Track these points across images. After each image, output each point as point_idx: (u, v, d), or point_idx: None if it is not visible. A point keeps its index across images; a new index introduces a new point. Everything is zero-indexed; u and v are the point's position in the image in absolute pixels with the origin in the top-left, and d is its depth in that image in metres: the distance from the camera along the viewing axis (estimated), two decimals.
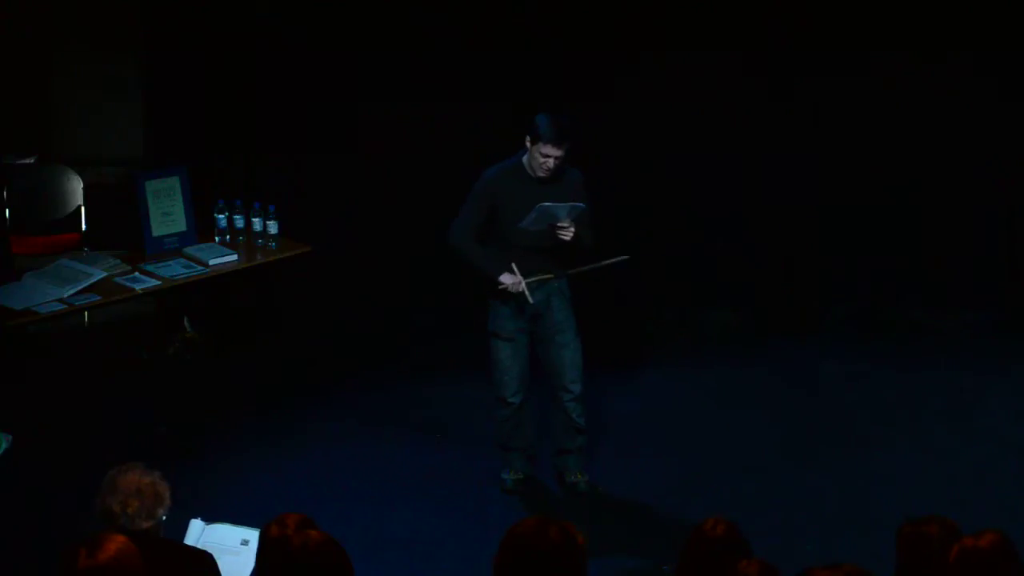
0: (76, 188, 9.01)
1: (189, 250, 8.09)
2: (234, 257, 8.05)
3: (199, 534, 5.29)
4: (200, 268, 7.95)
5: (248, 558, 5.10)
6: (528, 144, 6.88)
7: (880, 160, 9.02)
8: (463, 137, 8.69)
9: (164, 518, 4.67)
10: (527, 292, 6.93)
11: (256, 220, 8.21)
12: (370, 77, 8.94)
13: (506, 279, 6.94)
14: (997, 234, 9.09)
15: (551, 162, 6.83)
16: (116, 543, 4.04)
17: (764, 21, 8.88)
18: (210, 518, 5.50)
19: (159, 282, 7.81)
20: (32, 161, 9.21)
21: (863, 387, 8.38)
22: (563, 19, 8.89)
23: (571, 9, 8.88)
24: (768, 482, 7.37)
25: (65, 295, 7.58)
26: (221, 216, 8.26)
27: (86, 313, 8.19)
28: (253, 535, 5.11)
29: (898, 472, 7.42)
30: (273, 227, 8.21)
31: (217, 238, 8.24)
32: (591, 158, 7.47)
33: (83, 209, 8.91)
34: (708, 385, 8.46)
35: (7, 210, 8.62)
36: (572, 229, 6.87)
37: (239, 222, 8.25)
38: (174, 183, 8.15)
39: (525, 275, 6.94)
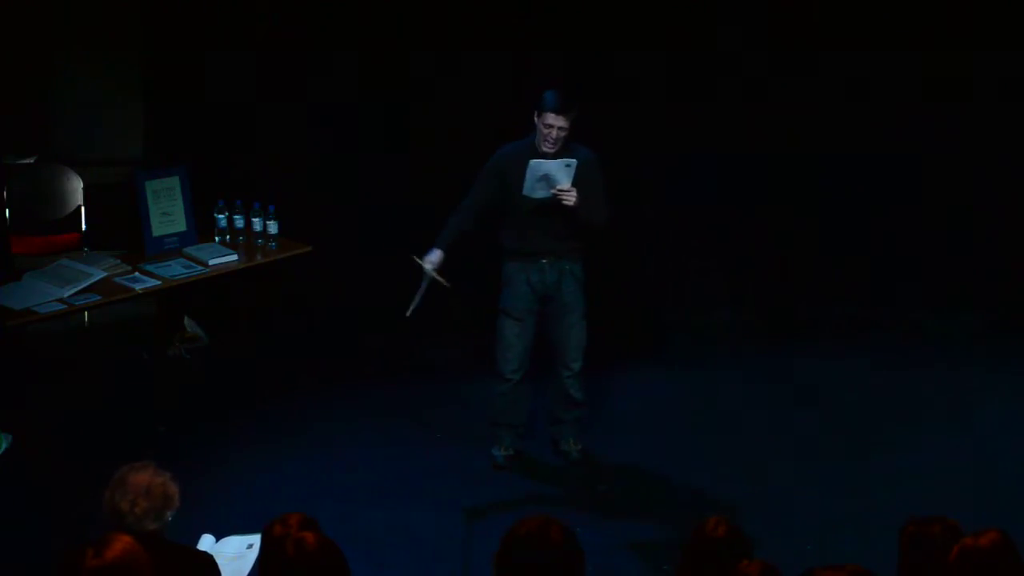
0: (76, 188, 9.01)
1: (189, 250, 8.09)
2: (234, 257, 8.05)
3: (209, 549, 5.28)
4: (200, 268, 7.95)
5: (248, 560, 5.12)
6: (536, 119, 6.98)
7: (879, 160, 9.02)
8: (463, 136, 8.69)
9: (170, 519, 4.67)
10: (424, 281, 7.14)
11: (256, 220, 8.22)
12: (371, 76, 8.94)
13: (430, 256, 7.13)
14: (996, 235, 9.09)
15: (555, 132, 6.93)
16: (123, 543, 4.04)
17: (763, 20, 8.89)
18: (210, 518, 5.50)
19: (159, 282, 7.81)
20: (32, 161, 9.21)
21: (863, 387, 8.38)
22: (562, 19, 8.89)
23: (569, 9, 8.88)
24: (768, 482, 7.37)
25: (65, 295, 7.58)
26: (221, 216, 8.26)
27: (86, 313, 8.18)
28: (257, 539, 5.11)
29: (898, 472, 7.42)
30: (273, 227, 8.21)
31: (217, 238, 8.24)
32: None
33: (83, 209, 8.90)
34: (708, 385, 8.46)
35: (7, 210, 8.62)
36: (573, 193, 6.90)
37: (239, 222, 8.25)
38: (174, 183, 8.15)
39: (534, 254, 7.10)
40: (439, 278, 7.14)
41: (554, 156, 6.98)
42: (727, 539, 4.35)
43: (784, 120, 8.97)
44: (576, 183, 6.94)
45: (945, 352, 8.79)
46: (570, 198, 6.93)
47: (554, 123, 6.92)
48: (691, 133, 8.99)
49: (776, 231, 9.16)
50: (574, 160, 6.94)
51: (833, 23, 8.86)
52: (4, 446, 7.49)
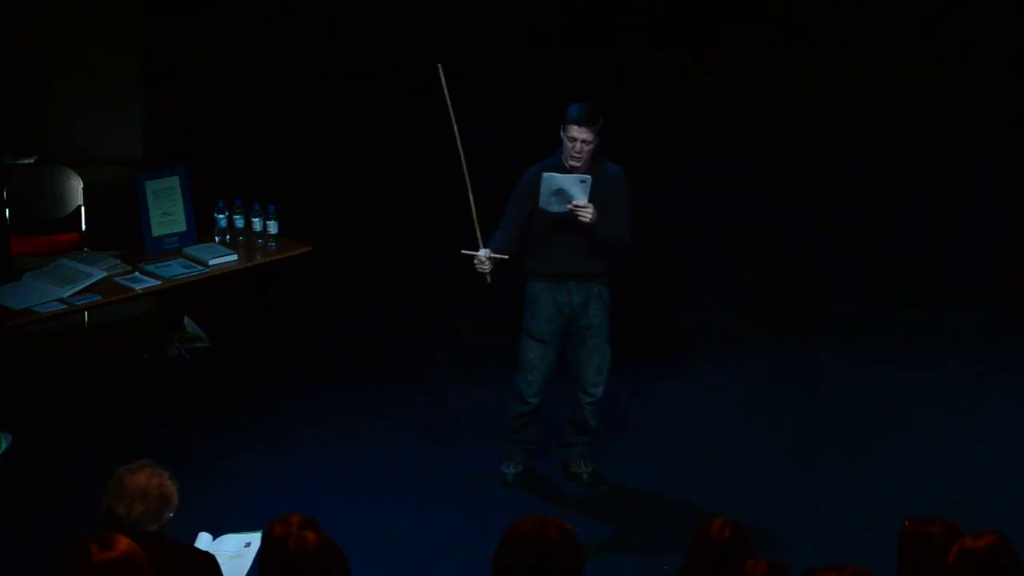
0: (76, 188, 9.01)
1: (189, 250, 8.10)
2: (234, 257, 8.05)
3: (206, 547, 5.28)
4: (200, 268, 7.96)
5: (247, 558, 5.12)
6: (561, 134, 6.88)
7: (880, 160, 9.03)
8: (466, 139, 8.68)
9: (169, 518, 4.66)
10: (487, 272, 6.92)
11: (256, 220, 8.22)
12: (370, 77, 8.94)
13: (480, 253, 6.91)
14: (996, 234, 9.09)
15: (578, 145, 6.80)
16: (124, 542, 4.06)
17: (765, 22, 8.90)
18: (210, 518, 5.50)
19: (159, 282, 7.82)
20: (32, 161, 9.21)
21: (863, 387, 8.38)
22: (567, 19, 8.89)
23: (575, 9, 8.88)
24: (768, 482, 7.37)
25: (65, 295, 7.59)
26: (221, 216, 8.27)
27: (86, 313, 8.19)
28: (255, 537, 5.12)
29: (898, 472, 7.42)
30: (273, 227, 8.22)
31: (217, 238, 8.25)
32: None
33: (83, 209, 8.90)
34: (709, 385, 8.46)
35: (7, 210, 8.62)
36: (590, 209, 6.79)
37: (239, 222, 8.26)
38: (174, 183, 8.16)
39: (561, 276, 6.97)
40: (497, 255, 6.97)
41: (581, 171, 6.84)
42: (733, 542, 4.33)
43: (784, 120, 8.98)
44: (597, 199, 6.79)
45: (945, 352, 8.78)
46: (586, 214, 6.77)
47: (577, 136, 6.78)
48: (691, 133, 9.00)
49: (778, 231, 9.16)
50: (588, 176, 6.78)
51: (840, 21, 8.88)
52: (4, 446, 7.49)
